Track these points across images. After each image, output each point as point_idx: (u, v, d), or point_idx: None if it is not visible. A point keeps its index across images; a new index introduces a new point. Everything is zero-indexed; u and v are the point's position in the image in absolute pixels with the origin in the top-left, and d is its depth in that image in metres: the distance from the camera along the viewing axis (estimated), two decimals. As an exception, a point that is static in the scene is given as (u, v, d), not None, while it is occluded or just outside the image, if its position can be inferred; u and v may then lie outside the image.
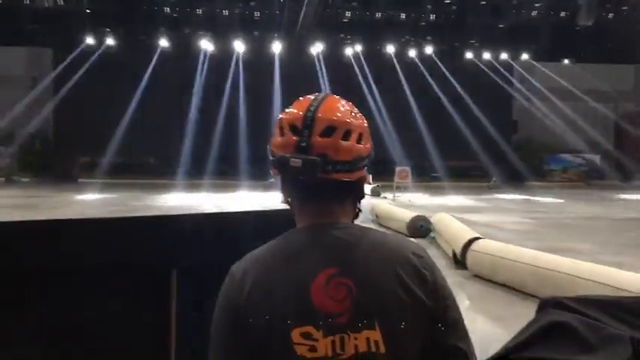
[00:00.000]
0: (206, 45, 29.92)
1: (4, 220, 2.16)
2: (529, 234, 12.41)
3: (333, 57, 30.24)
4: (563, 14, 27.75)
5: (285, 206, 1.30)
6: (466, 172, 32.80)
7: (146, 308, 2.18)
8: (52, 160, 32.12)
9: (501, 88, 33.21)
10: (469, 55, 30.94)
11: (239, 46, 29.99)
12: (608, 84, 32.51)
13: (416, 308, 1.12)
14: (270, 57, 30.57)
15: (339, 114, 1.19)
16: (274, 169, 1.21)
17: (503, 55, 31.44)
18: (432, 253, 8.84)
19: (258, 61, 30.36)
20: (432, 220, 11.56)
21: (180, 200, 20.36)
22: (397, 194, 22.44)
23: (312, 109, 1.18)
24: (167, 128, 30.45)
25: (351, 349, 1.07)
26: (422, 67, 31.64)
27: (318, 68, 30.26)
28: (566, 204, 21.51)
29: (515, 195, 25.37)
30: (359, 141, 1.20)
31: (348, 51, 30.42)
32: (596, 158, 36.34)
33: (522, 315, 4.05)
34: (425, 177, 28.96)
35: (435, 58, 30.95)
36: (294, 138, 1.16)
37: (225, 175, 29.61)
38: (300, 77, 26.97)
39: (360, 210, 1.29)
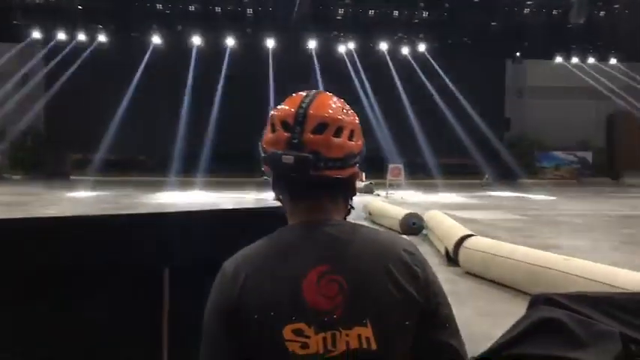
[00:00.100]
0: (199, 42, 29.81)
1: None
2: (521, 231, 12.47)
3: (326, 54, 30.23)
4: (555, 12, 27.82)
5: (278, 203, 1.29)
6: (459, 170, 32.89)
7: (138, 307, 2.17)
8: (44, 157, 31.96)
9: (494, 85, 33.33)
10: (462, 53, 30.97)
11: (232, 43, 29.90)
12: (599, 82, 32.69)
13: (407, 305, 1.12)
14: (264, 54, 30.51)
15: (330, 111, 1.19)
16: (266, 166, 1.21)
17: (496, 53, 31.50)
18: (425, 250, 8.91)
19: (251, 59, 30.30)
20: (424, 217, 11.59)
21: (174, 198, 20.31)
22: (390, 192, 22.47)
23: (303, 105, 1.18)
24: (160, 125, 30.36)
25: (342, 345, 1.07)
26: (415, 65, 31.68)
27: (311, 65, 30.23)
28: (558, 201, 21.62)
29: (508, 192, 25.48)
30: (351, 138, 1.20)
31: (341, 48, 30.41)
32: (588, 155, 36.57)
33: (514, 312, 4.06)
34: (418, 174, 29.00)
35: (428, 56, 31.00)
36: (286, 134, 1.16)
37: (218, 172, 29.58)
38: (293, 74, 26.93)
39: (352, 207, 1.29)
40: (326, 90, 1.28)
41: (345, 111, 1.22)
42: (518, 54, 31.79)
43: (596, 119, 35.21)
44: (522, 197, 23.28)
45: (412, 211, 12.19)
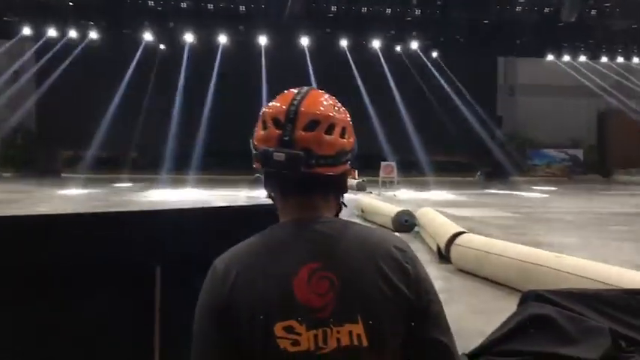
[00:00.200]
0: (191, 39, 29.68)
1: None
2: (513, 228, 12.53)
3: (319, 52, 30.19)
4: (546, 10, 27.90)
5: (269, 201, 1.29)
6: (451, 167, 32.99)
7: (130, 305, 2.16)
8: (35, 155, 31.77)
9: (486, 83, 33.44)
10: (454, 50, 31.02)
11: (224, 40, 29.80)
12: (590, 79, 32.86)
13: (398, 302, 1.12)
14: (256, 51, 30.43)
15: (322, 108, 1.19)
16: (257, 163, 1.20)
17: (488, 50, 31.58)
18: (417, 247, 8.92)
19: (244, 56, 30.22)
20: (416, 214, 11.61)
21: (166, 195, 20.24)
22: (383, 189, 22.50)
23: (295, 102, 1.18)
24: (151, 123, 30.26)
25: (333, 342, 1.07)
26: (407, 63, 31.72)
27: (304, 63, 30.18)
28: (549, 198, 21.74)
29: (500, 190, 25.58)
30: (342, 135, 1.20)
31: (334, 46, 30.36)
32: (579, 153, 36.78)
33: (506, 309, 4.09)
34: (410, 172, 29.06)
35: (420, 54, 31.04)
36: (277, 132, 1.16)
37: (210, 169, 29.52)
38: (285, 72, 26.88)
39: (344, 204, 1.29)
40: (318, 88, 1.28)
41: (336, 108, 1.22)
42: (510, 51, 31.81)
43: (588, 117, 35.41)
44: (514, 195, 23.38)
45: (404, 209, 12.21)
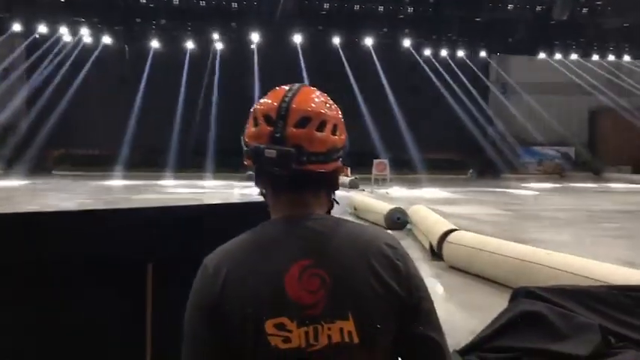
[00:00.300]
0: (183, 36, 29.53)
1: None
2: (505, 226, 12.58)
3: (312, 49, 30.15)
4: (538, 8, 27.99)
5: (261, 198, 1.29)
6: (443, 165, 33.07)
7: (121, 302, 2.16)
8: (25, 152, 31.54)
9: (478, 80, 33.53)
10: (446, 48, 31.09)
11: (217, 37, 29.68)
12: (582, 78, 33.03)
13: (389, 299, 1.12)
14: (249, 49, 30.34)
15: (313, 105, 1.19)
16: (248, 160, 1.20)
17: (480, 48, 31.67)
18: (409, 244, 8.95)
19: (237, 53, 30.14)
20: (408, 212, 11.63)
21: (158, 193, 20.17)
22: (375, 186, 22.53)
23: (286, 99, 1.18)
24: (143, 120, 30.15)
25: (324, 339, 1.07)
26: (400, 60, 31.75)
27: (296, 60, 30.14)
28: (541, 196, 21.85)
29: (491, 187, 25.67)
30: (334, 132, 1.20)
31: (327, 43, 30.31)
32: (571, 151, 36.96)
33: (497, 305, 4.10)
34: (403, 169, 29.10)
35: (413, 51, 31.06)
36: (269, 128, 1.16)
37: (202, 167, 29.48)
38: (278, 69, 26.85)
39: (336, 202, 1.29)
40: (311, 85, 1.28)
41: (328, 105, 1.22)
42: (502, 49, 31.90)
43: (579, 115, 35.57)
44: (506, 192, 23.47)
45: (397, 206, 12.23)
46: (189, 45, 29.75)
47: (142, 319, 2.19)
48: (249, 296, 1.09)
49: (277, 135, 1.15)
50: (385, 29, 29.57)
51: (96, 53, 29.68)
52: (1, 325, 1.97)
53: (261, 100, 1.22)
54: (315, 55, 30.41)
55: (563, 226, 12.98)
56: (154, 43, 29.40)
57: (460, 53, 31.31)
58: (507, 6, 27.34)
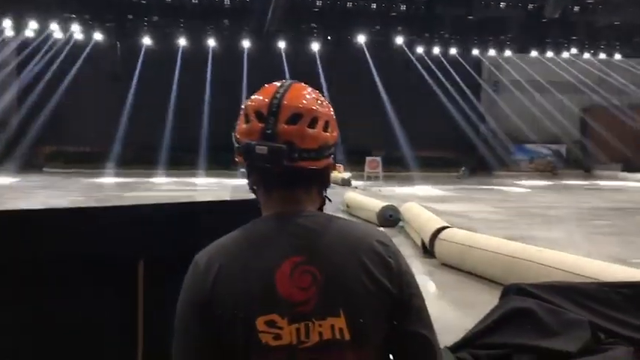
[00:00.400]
0: (176, 34, 29.40)
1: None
2: (497, 223, 12.63)
3: (302, 47, 30.10)
4: (530, 7, 28.11)
5: (253, 195, 1.29)
6: (435, 162, 33.16)
7: (113, 300, 2.15)
8: (16, 149, 31.35)
9: (470, 78, 33.62)
10: (439, 46, 31.13)
11: (209, 35, 29.59)
12: (574, 76, 33.19)
13: (380, 296, 1.12)
14: (241, 46, 30.26)
15: (305, 101, 1.18)
16: (239, 157, 1.20)
17: (473, 46, 31.74)
18: (401, 242, 8.97)
19: (229, 50, 30.04)
20: (401, 209, 11.65)
21: (149, 190, 20.10)
22: (368, 184, 22.56)
23: (277, 96, 1.17)
24: (134, 117, 30.04)
25: (315, 336, 1.07)
26: (392, 58, 31.77)
27: (286, 59, 30.06)
28: (533, 193, 21.96)
29: (483, 185, 25.76)
30: (325, 129, 1.20)
31: (318, 41, 30.28)
32: (562, 148, 37.15)
33: (489, 302, 4.12)
34: (395, 167, 29.18)
35: (406, 49, 31.09)
36: (260, 125, 1.15)
37: (194, 164, 29.42)
38: (268, 68, 26.77)
39: (328, 199, 1.29)
40: (305, 83, 1.28)
41: (319, 102, 1.21)
42: (494, 48, 31.97)
43: (571, 113, 35.74)
44: (498, 189, 23.56)
45: (389, 204, 12.25)
46: (182, 42, 29.61)
47: (133, 316, 2.18)
48: (240, 293, 1.09)
49: (268, 131, 1.14)
50: (378, 27, 29.57)
51: (87, 50, 29.49)
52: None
53: (253, 97, 1.22)
54: (308, 53, 30.36)
55: (554, 223, 13.05)
56: (146, 40, 29.24)
57: (453, 51, 31.36)
58: (500, 4, 27.42)
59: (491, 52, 32.35)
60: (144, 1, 27.67)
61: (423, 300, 1.20)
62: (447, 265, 7.86)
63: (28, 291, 1.99)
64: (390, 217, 11.68)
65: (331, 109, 1.24)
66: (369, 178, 22.99)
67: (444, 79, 31.87)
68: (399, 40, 30.19)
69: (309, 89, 1.24)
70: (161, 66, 30.46)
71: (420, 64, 31.79)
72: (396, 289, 1.15)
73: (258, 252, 1.12)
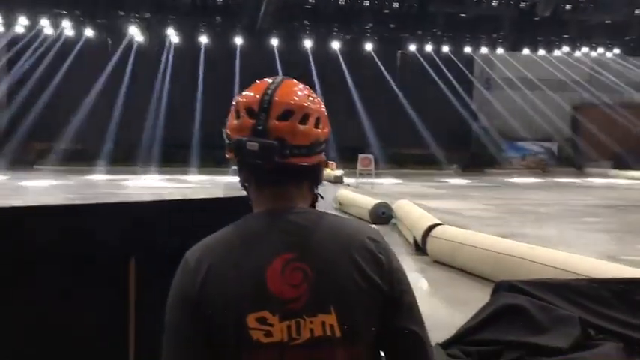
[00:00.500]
0: (168, 30, 29.25)
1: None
2: (488, 220, 12.68)
3: (294, 45, 30.03)
4: (522, 5, 28.20)
5: (244, 193, 1.28)
6: (427, 160, 33.21)
7: (104, 297, 2.14)
8: (7, 146, 31.13)
9: (462, 76, 33.69)
10: (431, 43, 31.15)
11: (201, 31, 29.46)
12: (565, 73, 33.34)
13: (371, 292, 1.12)
14: (234, 43, 30.16)
15: (296, 98, 1.18)
16: (230, 153, 1.19)
17: (465, 44, 31.80)
18: (393, 239, 8.99)
19: (221, 47, 29.94)
20: (393, 207, 11.67)
21: (141, 188, 20.03)
22: (360, 181, 22.56)
23: (269, 92, 1.17)
24: (127, 114, 29.89)
25: (306, 333, 1.07)
26: (386, 56, 31.78)
27: (277, 57, 29.99)
28: (524, 191, 22.03)
29: (476, 182, 25.84)
30: (317, 125, 1.19)
31: (310, 39, 30.20)
32: (554, 146, 37.31)
33: (481, 299, 4.13)
34: (388, 164, 29.17)
35: (400, 48, 31.11)
36: (251, 121, 1.15)
37: (186, 162, 29.32)
38: (260, 64, 26.67)
39: (320, 196, 1.28)
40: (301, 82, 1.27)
41: (311, 98, 1.21)
42: (486, 46, 32.07)
43: (562, 110, 35.89)
44: (490, 187, 23.64)
45: (381, 201, 12.27)
46: (174, 39, 29.48)
47: (125, 313, 2.18)
48: (231, 290, 1.08)
49: (259, 128, 1.14)
50: (370, 24, 29.55)
51: (78, 46, 29.29)
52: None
53: (244, 93, 1.21)
54: (302, 50, 30.31)
55: (546, 220, 13.12)
56: (138, 37, 29.07)
57: (445, 49, 31.41)
58: (492, 2, 27.48)
59: (484, 50, 32.40)
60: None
61: (414, 296, 1.20)
62: (439, 262, 7.89)
63: (18, 289, 1.98)
64: (383, 215, 11.70)
65: (323, 106, 1.24)
66: (361, 176, 22.97)
67: (436, 77, 31.91)
68: (391, 37, 30.18)
69: (301, 85, 1.23)
70: (153, 63, 30.31)
71: (412, 61, 31.82)
72: (387, 286, 1.15)
73: (249, 249, 1.12)
